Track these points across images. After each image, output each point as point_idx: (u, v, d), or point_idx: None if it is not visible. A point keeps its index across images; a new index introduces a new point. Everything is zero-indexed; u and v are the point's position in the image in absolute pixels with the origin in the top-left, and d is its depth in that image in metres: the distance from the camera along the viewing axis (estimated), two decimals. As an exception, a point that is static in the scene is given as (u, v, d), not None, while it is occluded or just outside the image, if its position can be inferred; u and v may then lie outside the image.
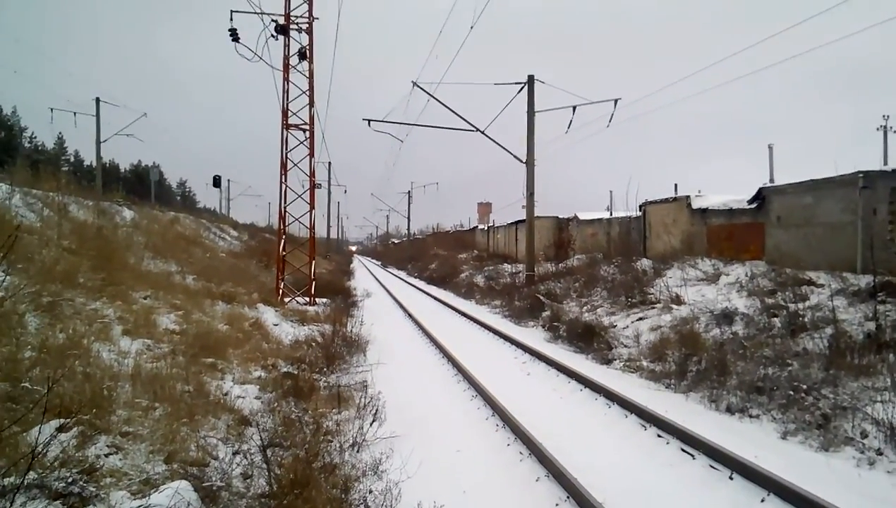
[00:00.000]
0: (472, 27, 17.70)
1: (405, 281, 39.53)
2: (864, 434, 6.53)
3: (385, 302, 24.77)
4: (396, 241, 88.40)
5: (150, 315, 9.83)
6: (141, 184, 48.97)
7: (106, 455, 4.98)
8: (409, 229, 75.50)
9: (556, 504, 5.42)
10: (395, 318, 19.62)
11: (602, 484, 5.55)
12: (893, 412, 6.48)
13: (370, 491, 5.28)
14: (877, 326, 8.94)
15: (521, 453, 6.67)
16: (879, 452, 6.19)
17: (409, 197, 68.96)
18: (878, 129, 40.73)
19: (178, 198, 77.49)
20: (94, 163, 36.83)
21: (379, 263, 74.36)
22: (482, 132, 23.28)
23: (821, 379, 8.02)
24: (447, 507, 5.09)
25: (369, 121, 23.94)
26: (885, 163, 17.33)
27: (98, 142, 33.99)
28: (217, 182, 44.73)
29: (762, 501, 5.30)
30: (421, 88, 22.61)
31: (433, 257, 46.92)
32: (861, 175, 12.70)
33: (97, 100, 33.72)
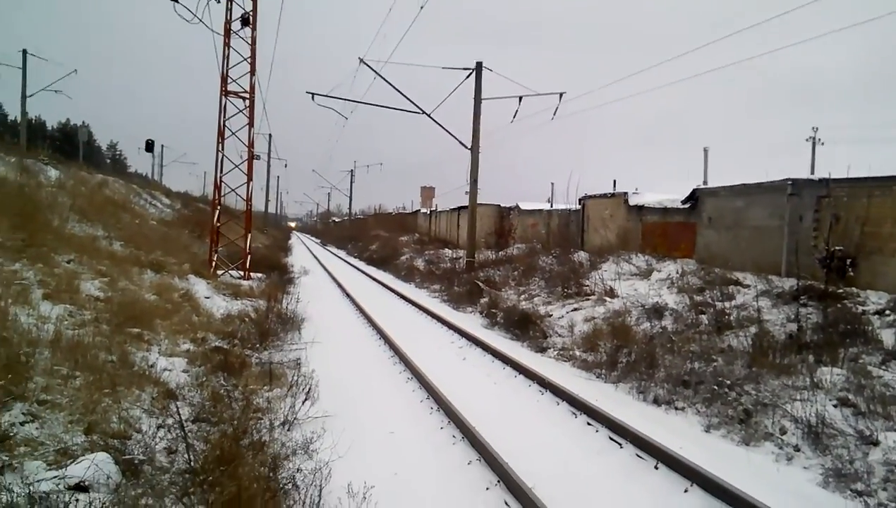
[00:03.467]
0: (421, 7, 17.49)
1: (345, 261, 39.10)
2: (784, 431, 6.82)
3: (323, 281, 24.42)
4: (337, 220, 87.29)
5: (74, 280, 9.33)
6: (69, 144, 46.41)
7: (21, 424, 4.70)
8: (350, 208, 74.77)
9: (487, 488, 5.46)
10: (332, 297, 19.37)
11: (533, 469, 5.61)
12: (811, 410, 6.80)
13: (299, 470, 5.16)
14: (798, 328, 9.36)
15: (454, 436, 6.68)
16: (797, 448, 6.47)
17: (352, 175, 68.25)
18: (807, 140, 42.88)
19: (108, 161, 73.92)
20: (19, 119, 34.72)
21: (318, 241, 73.30)
22: (429, 115, 23.13)
23: (744, 375, 8.33)
24: (377, 488, 5.03)
25: (313, 94, 23.41)
26: (813, 172, 18.15)
27: (24, 97, 31.99)
28: (150, 146, 42.97)
29: (685, 491, 5.47)
30: (368, 66, 22.27)
31: (374, 238, 46.57)
32: (790, 182, 13.24)
33: (24, 52, 31.77)
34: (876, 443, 6.11)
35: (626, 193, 20.22)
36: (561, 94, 21.94)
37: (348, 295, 19.14)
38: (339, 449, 5.59)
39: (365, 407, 7.68)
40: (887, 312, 9.36)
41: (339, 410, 7.21)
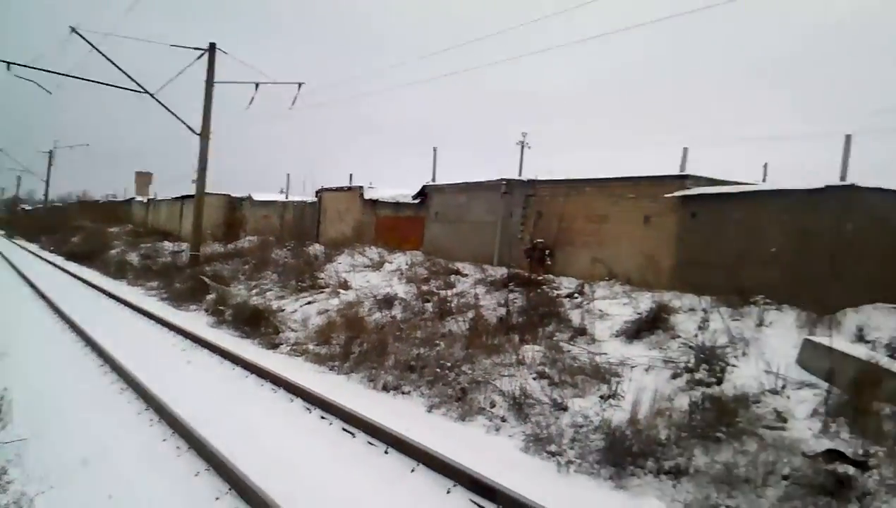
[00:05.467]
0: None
1: (37, 256, 33.74)
2: (493, 405, 7.63)
3: (7, 278, 20.85)
4: (29, 208, 75.00)
5: None
6: None
7: None
8: (46, 194, 64.72)
9: (217, 498, 5.19)
10: (21, 298, 16.64)
11: (267, 470, 5.49)
12: (516, 385, 7.72)
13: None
14: (507, 311, 10.54)
15: (178, 447, 6.23)
16: (504, 419, 7.30)
17: (51, 156, 59.33)
18: (517, 144, 48.52)
19: None
20: None
21: (2, 233, 62.13)
22: (152, 95, 21.09)
23: (462, 357, 9.12)
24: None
25: (9, 63, 19.98)
26: (520, 173, 20.50)
27: None
28: None
29: (412, 471, 5.85)
30: (81, 36, 19.55)
31: (77, 229, 41.01)
32: (504, 182, 14.85)
33: None
34: (565, 409, 7.17)
35: (361, 187, 20.75)
36: (300, 84, 21.54)
37: (43, 296, 16.58)
38: (41, 478, 4.86)
39: (70, 427, 6.75)
40: (575, 295, 11.02)
41: (39, 432, 6.25)
